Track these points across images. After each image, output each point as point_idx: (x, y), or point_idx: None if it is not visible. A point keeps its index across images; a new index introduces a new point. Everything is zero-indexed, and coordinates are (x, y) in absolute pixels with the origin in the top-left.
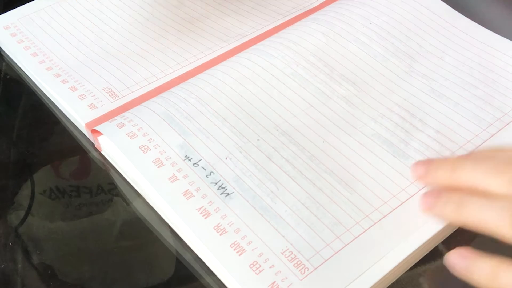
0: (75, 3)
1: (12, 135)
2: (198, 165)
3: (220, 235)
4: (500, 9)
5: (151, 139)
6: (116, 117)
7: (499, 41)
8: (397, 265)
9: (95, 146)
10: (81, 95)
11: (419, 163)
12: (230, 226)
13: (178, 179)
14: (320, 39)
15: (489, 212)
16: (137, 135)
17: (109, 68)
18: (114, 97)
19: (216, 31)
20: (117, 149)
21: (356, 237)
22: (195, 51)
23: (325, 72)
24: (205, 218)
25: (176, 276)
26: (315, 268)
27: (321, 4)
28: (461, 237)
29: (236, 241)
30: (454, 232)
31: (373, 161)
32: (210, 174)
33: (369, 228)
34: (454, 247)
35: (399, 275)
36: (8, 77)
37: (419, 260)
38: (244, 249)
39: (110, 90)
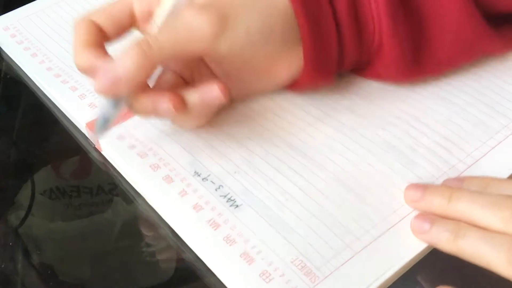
0: (74, 4)
1: (12, 135)
2: (207, 179)
3: (230, 245)
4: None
5: (161, 158)
6: (124, 135)
7: None
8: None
9: (95, 146)
10: (81, 95)
11: (412, 186)
12: (239, 236)
13: (188, 194)
14: None
15: (486, 246)
16: (147, 155)
17: None
18: None
19: None
20: (126, 165)
21: (366, 246)
22: None
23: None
24: (215, 229)
25: (176, 276)
26: (326, 277)
27: None
28: None
29: (245, 251)
30: None
31: (382, 169)
32: (219, 188)
33: (379, 236)
34: None
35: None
36: (8, 77)
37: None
38: (253, 259)
39: None
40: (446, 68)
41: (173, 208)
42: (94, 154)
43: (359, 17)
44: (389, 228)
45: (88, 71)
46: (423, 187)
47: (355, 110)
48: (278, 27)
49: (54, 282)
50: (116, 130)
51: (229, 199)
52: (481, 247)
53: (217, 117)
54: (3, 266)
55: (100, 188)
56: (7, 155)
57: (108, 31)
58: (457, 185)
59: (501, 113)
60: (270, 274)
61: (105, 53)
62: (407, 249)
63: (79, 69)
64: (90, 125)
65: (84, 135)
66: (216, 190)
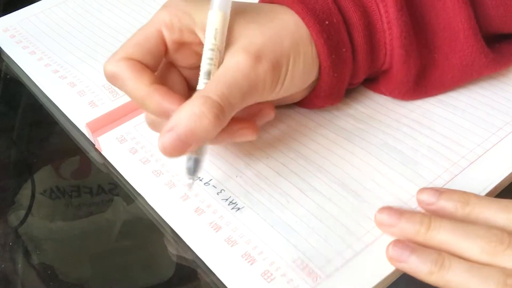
0: (74, 5)
1: (12, 135)
2: (209, 184)
3: (231, 246)
4: None
5: (163, 164)
6: (127, 139)
7: None
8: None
9: (95, 146)
10: (80, 91)
11: (385, 209)
12: (240, 238)
13: (189, 198)
14: None
15: (474, 279)
16: (150, 161)
17: None
18: (115, 95)
19: None
20: (127, 169)
21: (367, 245)
22: None
23: None
24: (216, 231)
25: (176, 276)
26: (328, 276)
27: None
28: None
29: (247, 251)
30: None
31: (382, 170)
32: (220, 192)
33: (380, 236)
34: None
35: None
36: (8, 77)
37: None
38: (255, 259)
39: (110, 87)
40: (448, 90)
41: (174, 211)
42: (94, 154)
43: (374, 43)
44: None
45: (164, 115)
46: (398, 212)
47: (356, 116)
48: (309, 65)
49: (54, 282)
50: (116, 131)
51: (230, 202)
52: (469, 280)
53: None
54: (3, 266)
55: (100, 188)
56: (7, 155)
57: (149, 66)
58: (434, 198)
59: (502, 111)
60: (271, 274)
61: (169, 92)
62: None
63: (155, 114)
64: (90, 125)
65: (84, 135)
66: (217, 194)
